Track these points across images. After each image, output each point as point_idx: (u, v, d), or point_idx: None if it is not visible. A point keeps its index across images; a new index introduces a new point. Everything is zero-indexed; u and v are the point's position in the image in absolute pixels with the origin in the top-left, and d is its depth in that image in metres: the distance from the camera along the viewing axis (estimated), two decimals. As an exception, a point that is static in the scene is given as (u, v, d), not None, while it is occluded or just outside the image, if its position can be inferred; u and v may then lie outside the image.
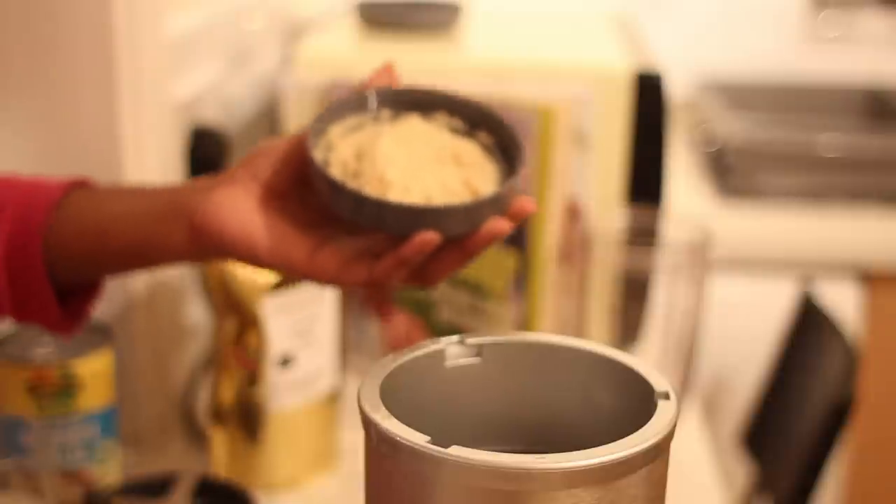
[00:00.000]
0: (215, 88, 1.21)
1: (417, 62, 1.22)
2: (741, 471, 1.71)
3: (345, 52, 1.31)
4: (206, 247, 0.69)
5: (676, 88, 1.47)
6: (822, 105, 2.16)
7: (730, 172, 1.84)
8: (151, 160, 1.00)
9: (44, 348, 0.90)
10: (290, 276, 0.71)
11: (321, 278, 0.69)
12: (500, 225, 0.68)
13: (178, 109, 1.07)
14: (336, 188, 0.67)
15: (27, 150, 0.96)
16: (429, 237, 0.66)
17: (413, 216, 0.66)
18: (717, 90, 2.10)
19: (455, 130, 0.72)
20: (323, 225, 0.70)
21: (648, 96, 1.17)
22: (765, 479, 1.61)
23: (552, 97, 1.11)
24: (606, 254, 1.12)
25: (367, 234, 0.69)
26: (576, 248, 1.15)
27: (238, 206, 0.68)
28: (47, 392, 0.89)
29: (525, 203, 0.69)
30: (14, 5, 0.94)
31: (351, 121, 0.72)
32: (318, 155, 0.69)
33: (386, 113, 0.72)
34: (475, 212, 0.67)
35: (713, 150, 1.92)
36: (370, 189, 0.67)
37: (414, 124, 0.71)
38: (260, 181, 0.70)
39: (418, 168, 0.69)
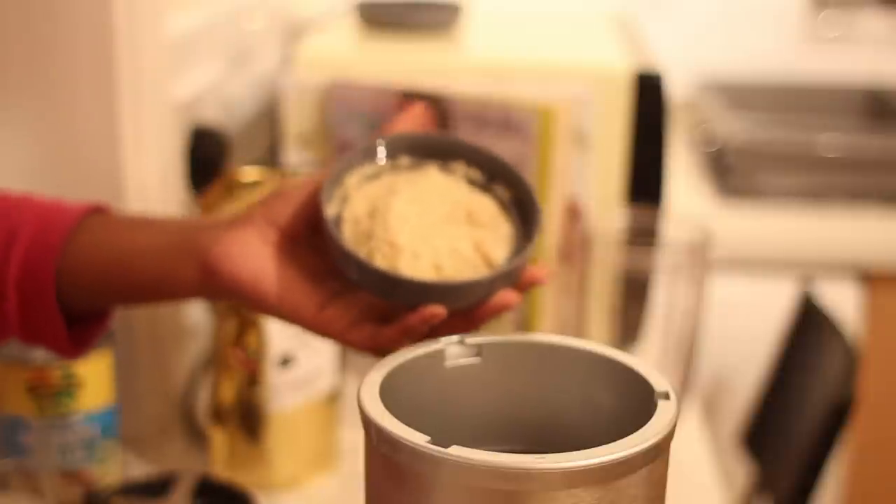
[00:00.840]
0: (215, 88, 1.21)
1: (417, 62, 1.22)
2: (741, 471, 1.71)
3: (345, 52, 1.31)
4: (217, 287, 0.69)
5: (676, 88, 1.47)
6: (822, 105, 2.16)
7: (730, 172, 1.84)
8: (151, 160, 1.00)
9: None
10: (296, 326, 0.70)
11: (326, 334, 0.69)
12: (510, 298, 0.67)
13: (178, 109, 1.07)
14: (346, 255, 0.67)
15: (27, 150, 0.96)
16: (436, 311, 0.65)
17: (422, 291, 0.66)
18: (717, 90, 2.10)
19: (472, 182, 0.72)
20: (333, 277, 0.69)
21: (648, 96, 1.17)
22: (765, 479, 1.61)
23: (552, 97, 1.11)
24: (606, 254, 1.12)
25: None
26: (576, 248, 1.15)
27: (251, 250, 0.68)
28: (47, 392, 0.89)
29: (536, 274, 0.69)
30: (14, 5, 0.94)
31: (368, 168, 0.71)
32: (330, 211, 0.68)
33: (405, 160, 0.72)
34: (485, 286, 0.67)
35: (713, 150, 1.92)
36: (380, 255, 0.67)
37: (431, 176, 0.71)
38: (276, 225, 0.69)
39: (430, 229, 0.68)
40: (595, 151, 1.16)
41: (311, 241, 0.70)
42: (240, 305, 0.94)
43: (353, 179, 0.70)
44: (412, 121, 0.73)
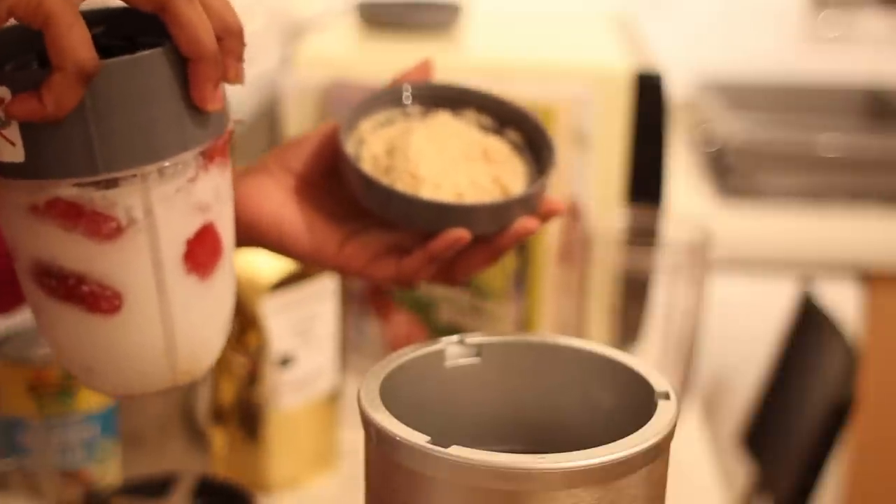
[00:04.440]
0: (215, 88, 1.21)
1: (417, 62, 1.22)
2: (741, 471, 1.71)
3: (345, 52, 1.31)
4: (238, 235, 0.69)
5: (676, 88, 1.47)
6: (822, 105, 2.16)
7: (730, 172, 1.84)
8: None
9: (44, 348, 0.90)
10: (318, 266, 0.70)
11: (349, 270, 0.69)
12: (530, 224, 0.68)
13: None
14: (368, 183, 0.67)
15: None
16: (459, 234, 0.66)
17: (444, 213, 0.66)
18: (717, 90, 2.10)
19: (484, 128, 0.72)
20: (352, 217, 0.70)
21: (648, 96, 1.17)
22: (765, 479, 1.61)
23: (552, 97, 1.11)
24: (606, 254, 1.12)
25: (396, 229, 0.69)
26: (576, 248, 1.15)
27: (270, 194, 0.69)
28: (47, 392, 0.89)
29: (555, 203, 0.70)
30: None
31: (381, 115, 0.72)
32: (349, 149, 0.69)
33: (416, 109, 0.72)
34: (506, 210, 0.67)
35: (713, 150, 1.92)
36: (402, 185, 0.67)
37: (444, 120, 0.72)
38: (292, 172, 0.70)
39: (449, 164, 0.69)
40: (595, 151, 1.16)
41: (327, 186, 0.70)
42: (239, 305, 0.94)
43: (367, 125, 0.71)
44: (421, 72, 0.73)
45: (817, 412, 1.49)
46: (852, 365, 1.48)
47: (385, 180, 0.68)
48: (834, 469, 1.72)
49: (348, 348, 1.15)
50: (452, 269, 0.69)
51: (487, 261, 0.69)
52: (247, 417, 0.97)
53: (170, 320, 0.57)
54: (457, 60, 1.31)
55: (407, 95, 0.72)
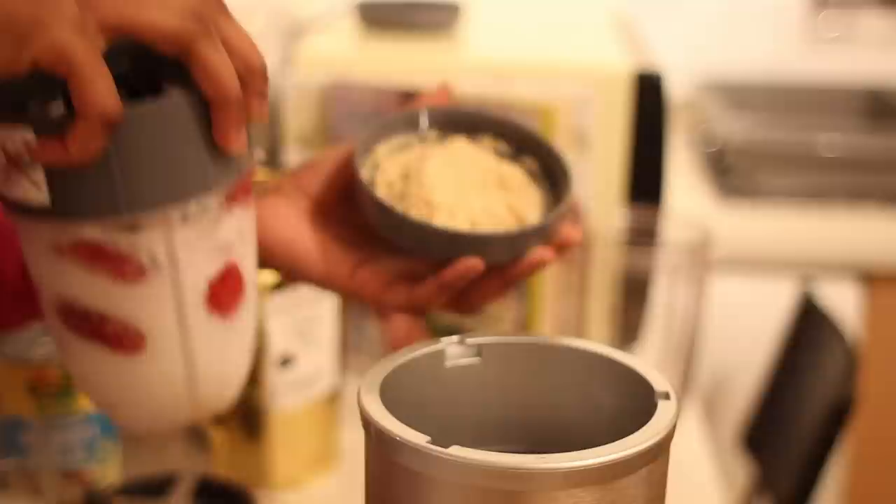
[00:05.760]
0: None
1: (417, 62, 1.22)
2: (741, 471, 1.71)
3: (345, 52, 1.31)
4: None
5: (676, 88, 1.47)
6: (822, 105, 2.16)
7: (730, 172, 1.84)
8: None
9: (44, 348, 0.90)
10: (330, 290, 0.70)
11: (361, 296, 0.69)
12: (545, 254, 0.67)
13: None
14: (382, 209, 0.66)
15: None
16: (472, 263, 0.65)
17: (458, 242, 0.66)
18: (717, 90, 2.10)
19: (501, 154, 0.72)
20: (366, 243, 0.69)
21: (648, 96, 1.17)
22: (765, 479, 1.61)
23: (552, 97, 1.11)
24: (606, 254, 1.12)
25: (409, 255, 0.69)
26: (576, 248, 1.14)
27: (283, 217, 0.68)
28: (47, 392, 0.89)
29: (571, 234, 0.69)
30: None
31: (398, 140, 0.71)
32: (364, 174, 0.68)
33: (432, 134, 0.72)
34: (520, 240, 0.67)
35: (713, 150, 1.92)
36: (416, 212, 0.67)
37: (460, 146, 0.71)
38: (306, 194, 0.69)
39: (464, 192, 0.68)
40: (595, 151, 1.16)
41: (341, 210, 0.70)
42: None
43: (382, 149, 0.70)
44: (440, 97, 0.73)
45: (817, 412, 1.49)
46: (852, 365, 1.48)
47: (399, 207, 0.67)
48: (834, 469, 1.72)
49: (348, 348, 1.15)
50: (465, 298, 0.69)
51: (501, 290, 0.68)
52: (247, 417, 0.97)
53: (192, 359, 0.57)
54: (457, 60, 1.31)
55: (424, 120, 0.71)
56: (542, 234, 0.67)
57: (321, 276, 0.69)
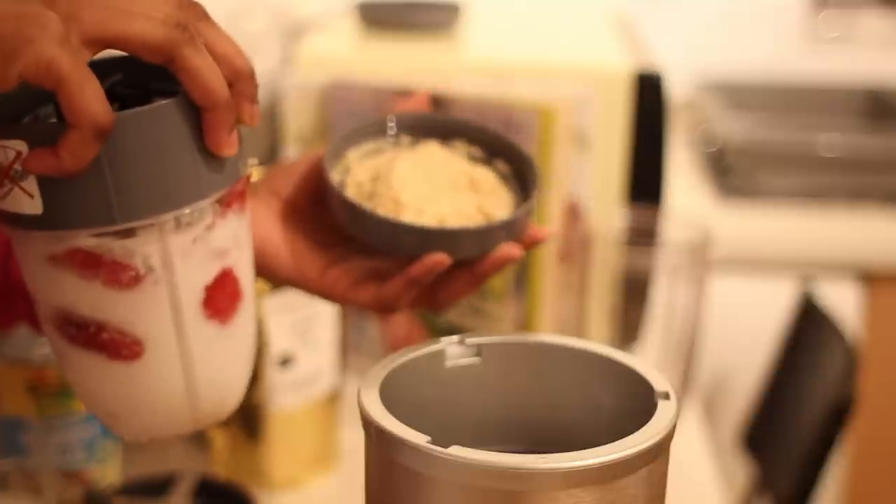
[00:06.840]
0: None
1: (417, 62, 1.22)
2: (741, 471, 1.71)
3: (345, 52, 1.31)
4: None
5: (676, 88, 1.47)
6: (822, 105, 2.16)
7: (730, 172, 1.84)
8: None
9: (43, 348, 0.90)
10: (300, 290, 0.71)
11: (331, 295, 0.70)
12: (512, 250, 0.68)
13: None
14: (350, 208, 0.67)
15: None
16: (439, 258, 0.66)
17: (425, 237, 0.66)
18: (717, 90, 2.10)
19: (473, 158, 0.72)
20: (337, 244, 0.70)
21: (648, 96, 1.17)
22: (765, 479, 1.61)
23: (552, 97, 1.11)
24: (606, 254, 1.12)
25: (378, 255, 0.70)
26: (576, 248, 1.15)
27: (256, 218, 0.69)
28: (47, 392, 0.89)
29: (538, 231, 0.69)
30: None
31: (370, 145, 0.72)
32: (336, 177, 0.69)
33: (405, 139, 0.72)
34: (487, 235, 0.67)
35: (713, 150, 1.92)
36: (384, 210, 0.68)
37: (432, 150, 0.72)
38: (279, 196, 0.71)
39: (433, 192, 0.69)
40: (595, 151, 1.16)
41: (313, 212, 0.71)
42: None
43: (354, 154, 0.71)
44: (416, 104, 0.73)
45: (817, 412, 1.49)
46: (852, 365, 1.48)
47: (368, 205, 0.68)
48: (834, 469, 1.72)
49: (348, 348, 1.15)
50: (434, 295, 0.70)
51: (469, 286, 0.69)
52: (247, 417, 0.97)
53: (190, 366, 0.57)
54: (457, 60, 1.31)
55: (392, 126, 0.72)
56: (509, 229, 0.68)
57: (291, 276, 0.70)
